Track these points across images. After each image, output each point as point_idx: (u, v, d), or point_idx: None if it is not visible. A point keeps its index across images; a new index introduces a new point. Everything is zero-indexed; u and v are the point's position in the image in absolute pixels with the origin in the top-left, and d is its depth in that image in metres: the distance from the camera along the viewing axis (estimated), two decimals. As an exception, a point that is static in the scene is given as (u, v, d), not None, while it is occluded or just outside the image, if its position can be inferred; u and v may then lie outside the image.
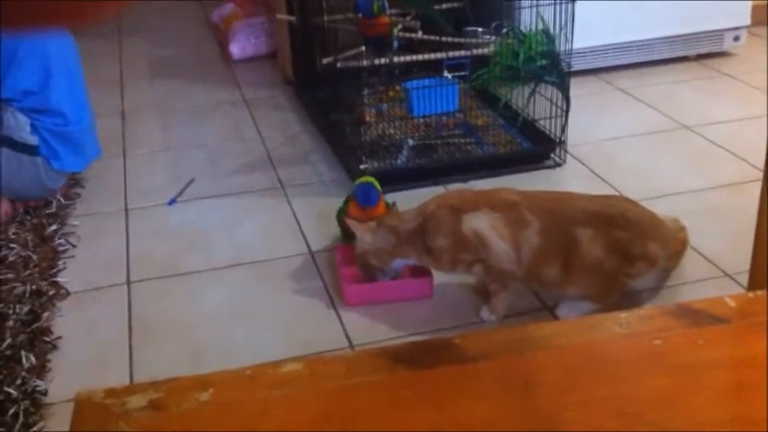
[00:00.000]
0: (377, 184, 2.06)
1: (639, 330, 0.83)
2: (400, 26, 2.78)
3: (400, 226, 1.86)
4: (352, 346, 1.78)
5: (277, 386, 0.79)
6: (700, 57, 3.29)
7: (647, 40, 3.18)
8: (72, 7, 0.47)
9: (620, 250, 1.76)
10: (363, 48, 2.58)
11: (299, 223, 2.27)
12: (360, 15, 2.53)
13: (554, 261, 1.76)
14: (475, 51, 2.56)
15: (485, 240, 1.77)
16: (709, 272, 1.97)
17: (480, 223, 1.77)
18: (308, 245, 2.16)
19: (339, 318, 1.87)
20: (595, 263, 1.75)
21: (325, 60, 2.57)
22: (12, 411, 1.59)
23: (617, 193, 2.27)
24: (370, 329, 1.83)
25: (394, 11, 2.79)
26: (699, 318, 0.84)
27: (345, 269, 1.98)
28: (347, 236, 2.12)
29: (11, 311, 1.87)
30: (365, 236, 1.87)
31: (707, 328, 0.83)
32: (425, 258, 1.87)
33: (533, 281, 1.83)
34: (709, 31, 3.23)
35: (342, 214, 2.11)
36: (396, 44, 2.72)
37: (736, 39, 3.27)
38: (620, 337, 0.83)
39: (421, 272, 1.95)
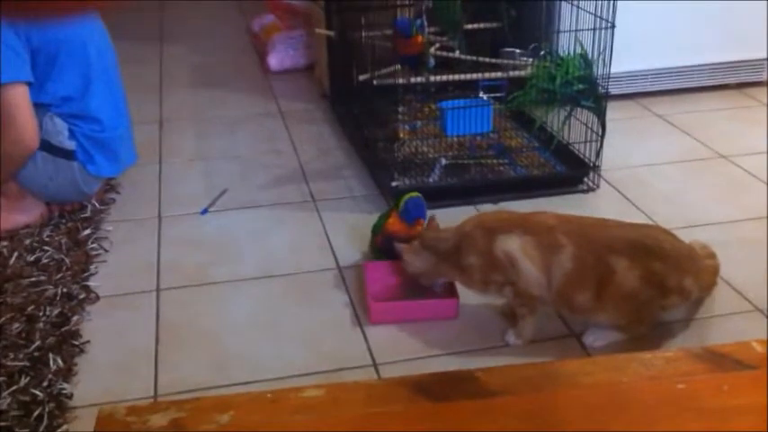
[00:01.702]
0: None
1: (664, 373, 0.82)
2: (438, 45, 2.79)
3: (439, 245, 1.88)
4: (375, 363, 1.78)
5: (297, 411, 0.80)
6: (739, 85, 3.25)
7: (687, 66, 3.16)
8: None
9: (655, 282, 1.74)
10: (399, 66, 2.58)
11: (328, 238, 2.27)
12: (397, 34, 2.54)
13: (586, 287, 1.75)
14: (511, 73, 2.56)
15: (515, 263, 1.77)
16: (738, 305, 1.94)
17: (512, 245, 1.77)
18: (336, 260, 2.17)
19: (364, 334, 1.88)
20: (629, 292, 1.74)
21: (361, 77, 2.58)
22: (36, 413, 1.61)
23: (649, 221, 2.25)
24: (395, 348, 1.83)
25: (432, 29, 2.79)
26: (725, 362, 0.83)
27: (372, 286, 1.98)
28: (378, 251, 2.12)
29: (41, 314, 1.90)
30: (413, 259, 1.92)
31: (733, 374, 0.82)
32: (459, 277, 1.89)
33: (563, 306, 1.82)
34: (749, 60, 3.19)
35: (378, 230, 2.12)
36: (432, 62, 2.72)
37: (777, 69, 3.23)
38: (645, 379, 0.82)
39: (447, 293, 1.95)
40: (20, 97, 2.13)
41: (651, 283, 1.74)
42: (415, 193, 2.10)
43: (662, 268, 1.74)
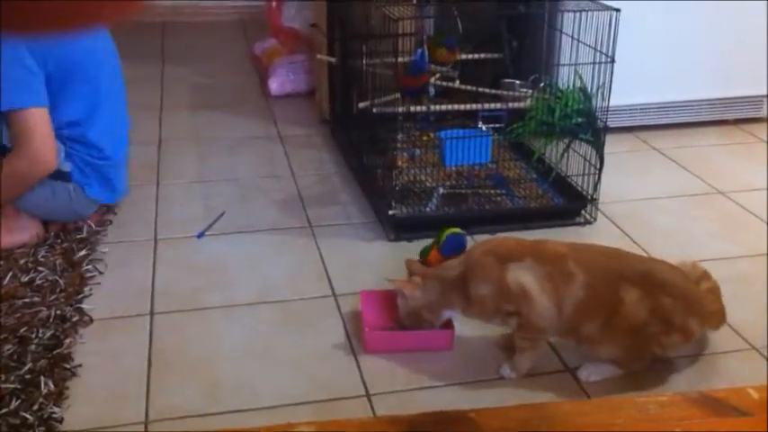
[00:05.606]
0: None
1: (659, 417, 0.82)
2: (438, 75, 2.80)
3: (445, 274, 1.84)
4: (368, 393, 1.77)
5: (289, 447, 0.79)
6: (738, 121, 3.27)
7: (686, 101, 3.17)
8: (95, 7, 0.49)
9: (663, 317, 1.72)
10: (399, 95, 2.59)
11: (324, 265, 2.27)
12: (411, 70, 2.53)
13: (595, 317, 1.73)
14: (511, 104, 2.57)
15: (528, 294, 1.73)
16: (735, 343, 1.93)
17: (525, 276, 1.74)
18: (332, 287, 2.16)
19: (358, 364, 1.87)
20: (636, 325, 1.71)
21: (361, 104, 2.59)
22: (26, 437, 1.60)
23: (646, 255, 2.25)
24: (388, 378, 1.82)
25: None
26: (720, 408, 0.83)
27: (368, 315, 1.97)
28: None
29: (34, 336, 1.89)
30: (415, 292, 1.85)
31: (728, 420, 0.82)
32: (466, 307, 1.82)
33: (571, 335, 1.78)
34: (748, 96, 3.21)
35: (425, 255, 2.10)
36: (433, 91, 2.73)
37: (776, 105, 3.25)
38: (639, 422, 0.81)
39: (442, 323, 1.94)
40: (39, 119, 2.14)
41: (658, 317, 1.72)
42: (454, 230, 2.09)
43: (671, 304, 1.72)
